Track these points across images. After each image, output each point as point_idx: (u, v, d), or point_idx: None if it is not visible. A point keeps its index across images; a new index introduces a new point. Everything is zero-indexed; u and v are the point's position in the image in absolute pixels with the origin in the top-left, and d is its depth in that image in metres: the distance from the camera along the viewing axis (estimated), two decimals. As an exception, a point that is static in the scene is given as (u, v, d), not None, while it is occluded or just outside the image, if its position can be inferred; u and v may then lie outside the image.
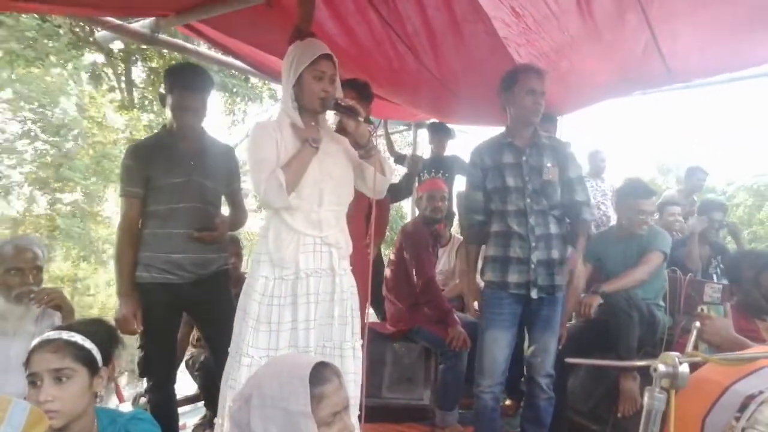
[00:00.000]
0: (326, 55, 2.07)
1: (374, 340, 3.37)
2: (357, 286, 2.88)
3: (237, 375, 2.01)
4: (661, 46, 2.96)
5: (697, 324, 1.08)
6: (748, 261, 2.92)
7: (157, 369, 2.55)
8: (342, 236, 2.16)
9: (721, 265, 4.00)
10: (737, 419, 1.09)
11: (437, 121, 4.89)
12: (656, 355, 2.98)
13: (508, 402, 3.65)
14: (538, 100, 2.63)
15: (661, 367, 1.02)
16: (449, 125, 5.01)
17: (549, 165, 2.65)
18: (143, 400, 3.02)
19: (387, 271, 3.56)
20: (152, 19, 3.01)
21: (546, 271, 2.62)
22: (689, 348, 1.04)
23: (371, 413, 3.10)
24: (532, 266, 2.61)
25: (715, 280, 3.95)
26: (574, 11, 2.69)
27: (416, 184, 3.95)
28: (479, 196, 2.75)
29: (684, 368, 1.01)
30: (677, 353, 1.03)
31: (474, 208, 2.78)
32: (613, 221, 4.60)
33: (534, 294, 2.61)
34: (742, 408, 1.06)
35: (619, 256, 3.23)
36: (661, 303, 3.23)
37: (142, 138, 2.91)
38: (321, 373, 1.33)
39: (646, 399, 1.03)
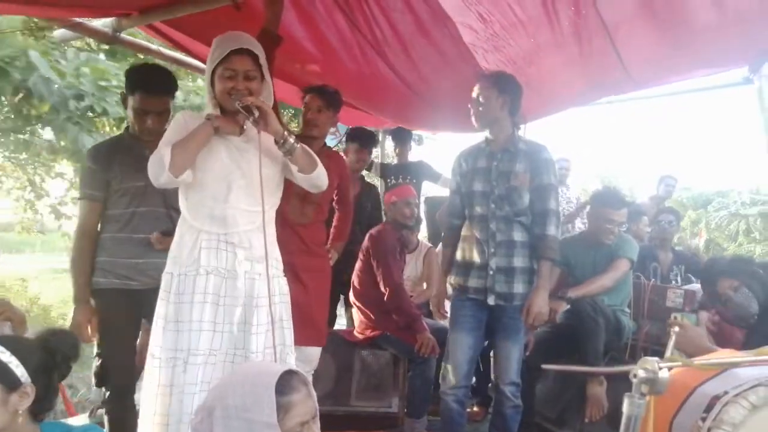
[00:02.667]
0: (239, 50, 1.98)
1: (342, 348, 3.35)
2: (317, 292, 2.83)
3: (147, 377, 1.93)
4: (621, 54, 3.02)
5: (676, 329, 1.08)
6: (704, 276, 2.98)
7: (116, 378, 2.45)
8: (255, 237, 2.02)
9: (686, 274, 4.09)
10: (703, 419, 1.09)
11: (400, 127, 4.88)
12: (622, 360, 3.04)
13: (476, 408, 3.65)
14: (473, 105, 2.66)
15: (641, 373, 1.01)
16: (415, 131, 5.02)
17: (519, 171, 2.61)
18: (101, 411, 2.90)
19: (354, 278, 3.52)
20: (114, 18, 2.91)
21: (505, 278, 2.59)
22: (668, 353, 1.03)
23: (339, 421, 3.07)
24: (491, 272, 2.60)
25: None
26: (541, 19, 2.71)
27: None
28: (457, 200, 2.80)
29: (664, 373, 1.00)
30: (656, 358, 1.02)
31: (453, 212, 2.82)
32: (577, 229, 4.67)
33: (491, 301, 2.60)
34: (708, 408, 1.07)
35: (587, 263, 3.26)
36: (627, 309, 3.28)
37: (103, 140, 2.80)
38: (288, 382, 1.28)
39: (625, 405, 1.02)
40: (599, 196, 3.40)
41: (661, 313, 3.51)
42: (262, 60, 2.04)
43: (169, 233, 2.36)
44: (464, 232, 2.75)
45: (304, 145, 2.12)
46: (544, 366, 1.30)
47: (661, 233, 4.22)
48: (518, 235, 2.61)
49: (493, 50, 3.03)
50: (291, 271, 2.64)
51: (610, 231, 3.19)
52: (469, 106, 2.69)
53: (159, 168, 1.90)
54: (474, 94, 2.67)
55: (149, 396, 1.92)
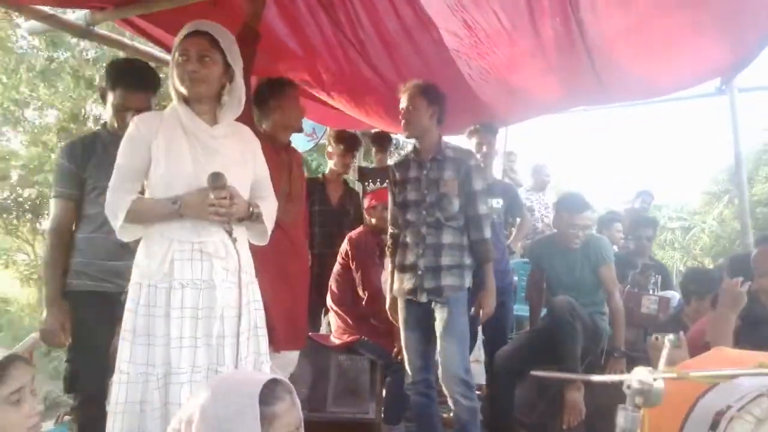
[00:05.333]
0: (195, 33, 1.88)
1: (318, 353, 3.29)
2: (302, 296, 2.79)
3: (114, 393, 1.81)
4: (598, 69, 3.11)
5: (671, 337, 1.06)
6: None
7: (87, 384, 2.36)
8: (230, 245, 1.92)
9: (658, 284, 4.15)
10: None
11: (380, 131, 4.86)
12: (598, 365, 3.05)
13: (451, 414, 3.62)
14: (402, 115, 2.73)
15: (635, 384, 0.99)
16: (394, 135, 4.99)
17: (447, 178, 2.70)
18: (68, 417, 2.80)
19: (332, 282, 3.47)
20: (87, 11, 2.82)
21: (433, 275, 2.67)
22: (662, 364, 1.02)
23: (315, 428, 3.00)
24: (419, 272, 2.69)
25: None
26: (525, 27, 2.73)
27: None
28: (395, 210, 2.88)
29: (659, 384, 0.98)
30: (650, 368, 1.00)
31: (393, 222, 2.91)
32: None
33: (423, 298, 2.68)
34: (714, 426, 1.04)
35: (561, 266, 3.28)
36: (604, 311, 3.28)
37: (78, 136, 2.70)
38: (273, 391, 1.24)
39: (620, 418, 1.00)
40: (561, 201, 3.44)
41: (636, 319, 3.55)
42: (225, 45, 1.93)
43: None
44: (401, 239, 2.83)
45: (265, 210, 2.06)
46: (534, 372, 1.27)
47: (641, 247, 4.27)
48: (447, 239, 2.70)
49: (477, 57, 3.06)
50: (280, 273, 2.57)
51: (575, 236, 3.21)
52: (401, 117, 2.73)
53: (113, 219, 1.86)
54: (403, 104, 2.72)
55: (116, 413, 1.80)
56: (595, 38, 2.78)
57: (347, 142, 3.94)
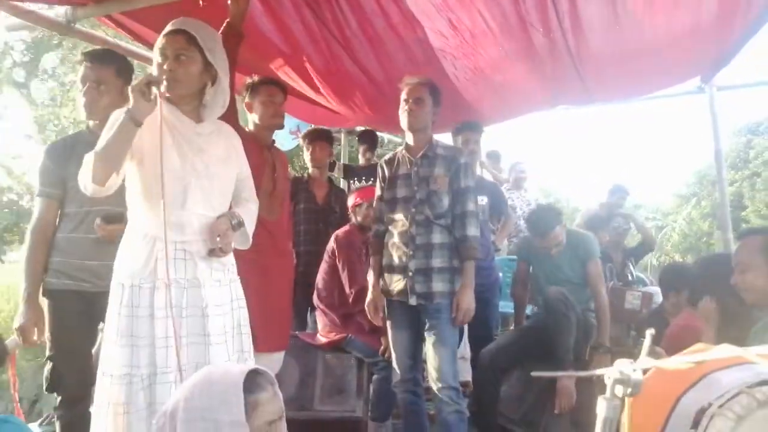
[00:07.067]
0: (172, 32, 1.88)
1: (305, 352, 3.28)
2: (286, 294, 2.78)
3: (98, 395, 1.81)
4: (580, 70, 3.17)
5: (652, 331, 1.08)
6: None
7: (69, 384, 2.34)
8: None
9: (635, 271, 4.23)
10: None
11: (367, 129, 4.87)
12: (584, 360, 3.05)
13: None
14: (409, 107, 2.65)
15: (615, 374, 1.01)
16: (379, 133, 5.01)
17: (438, 174, 2.67)
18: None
19: (319, 280, 3.47)
20: (68, 6, 2.78)
21: (424, 278, 2.63)
22: (643, 355, 1.03)
23: (302, 426, 3.00)
24: (410, 274, 2.64)
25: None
26: (511, 28, 2.74)
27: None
28: (382, 207, 2.83)
29: (637, 375, 1.00)
30: (630, 360, 1.02)
31: (378, 217, 2.87)
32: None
33: (413, 301, 2.64)
34: (695, 423, 1.05)
35: (551, 264, 3.30)
36: (592, 308, 3.30)
37: (61, 137, 2.70)
38: (255, 381, 1.27)
39: (601, 407, 1.01)
40: (527, 224, 3.49)
41: (620, 314, 3.59)
42: (204, 42, 1.91)
43: (111, 219, 2.25)
44: (387, 238, 2.78)
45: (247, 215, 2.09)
46: (534, 373, 1.28)
47: (616, 237, 4.34)
48: (437, 238, 2.65)
49: (462, 57, 3.08)
50: (261, 270, 2.57)
51: (549, 250, 3.25)
52: (407, 107, 2.65)
53: (85, 179, 1.79)
54: (411, 95, 2.65)
55: (100, 414, 1.80)
56: (579, 41, 2.81)
57: (307, 136, 3.99)
